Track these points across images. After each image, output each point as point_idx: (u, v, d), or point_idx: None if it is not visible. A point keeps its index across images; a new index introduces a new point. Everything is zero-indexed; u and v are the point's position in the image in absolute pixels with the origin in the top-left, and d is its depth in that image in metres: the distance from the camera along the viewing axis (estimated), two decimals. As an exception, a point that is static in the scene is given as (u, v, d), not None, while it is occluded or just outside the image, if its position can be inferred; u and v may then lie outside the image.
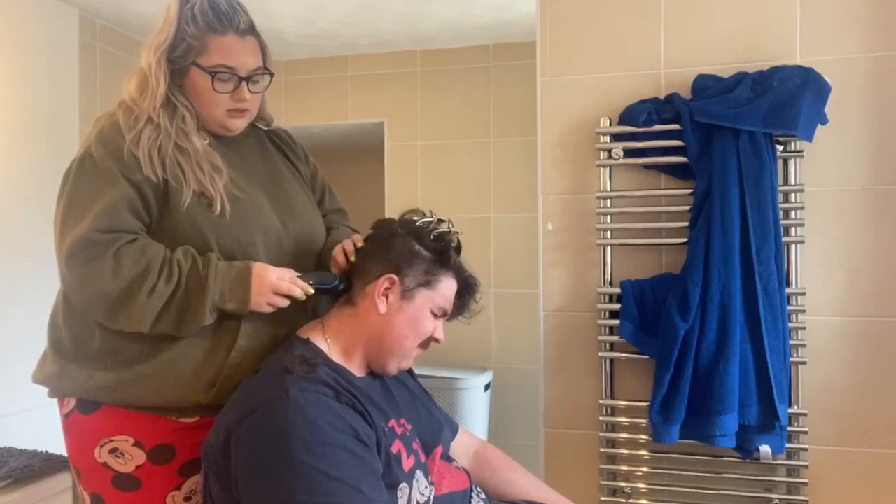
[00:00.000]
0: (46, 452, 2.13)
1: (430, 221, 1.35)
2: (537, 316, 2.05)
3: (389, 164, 3.60)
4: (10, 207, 2.59)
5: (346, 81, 3.63)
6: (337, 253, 1.40)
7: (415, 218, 1.36)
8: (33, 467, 2.02)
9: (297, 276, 1.33)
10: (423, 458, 1.31)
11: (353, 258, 1.36)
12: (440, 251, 1.33)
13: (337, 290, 1.37)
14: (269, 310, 1.31)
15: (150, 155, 1.29)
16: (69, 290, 1.30)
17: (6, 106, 2.60)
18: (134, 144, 1.29)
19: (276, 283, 1.29)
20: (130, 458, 1.30)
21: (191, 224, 1.31)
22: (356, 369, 1.32)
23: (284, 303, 1.31)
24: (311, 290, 1.33)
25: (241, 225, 1.35)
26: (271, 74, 1.41)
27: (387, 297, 1.30)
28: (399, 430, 1.28)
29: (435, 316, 1.34)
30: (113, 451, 1.30)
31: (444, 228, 1.35)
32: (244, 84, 1.35)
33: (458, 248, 1.38)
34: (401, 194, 3.51)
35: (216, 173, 1.33)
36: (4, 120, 2.59)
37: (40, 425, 2.00)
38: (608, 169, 1.97)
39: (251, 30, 1.38)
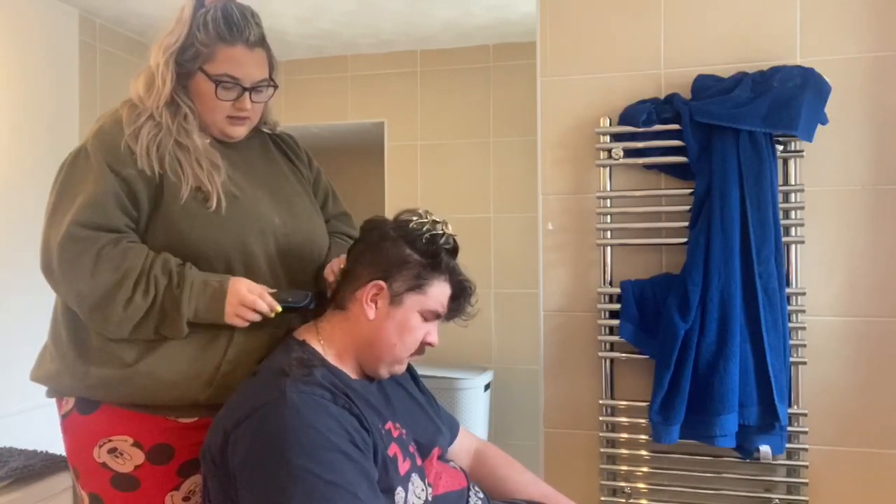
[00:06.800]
0: (46, 452, 2.12)
1: (424, 223, 1.31)
2: (537, 316, 2.05)
3: (389, 164, 3.59)
4: (10, 207, 2.59)
5: (346, 81, 3.63)
6: (327, 274, 1.41)
7: (409, 219, 1.33)
8: (33, 467, 2.01)
9: (270, 292, 1.31)
10: (419, 461, 1.31)
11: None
12: (432, 254, 1.30)
13: (308, 308, 1.35)
14: (240, 323, 1.29)
15: (147, 150, 1.30)
16: (53, 283, 1.31)
17: (6, 106, 2.60)
18: (132, 139, 1.31)
19: (245, 295, 1.29)
20: (129, 458, 1.30)
21: (186, 219, 1.31)
22: (351, 372, 1.32)
23: (254, 317, 1.30)
24: (279, 308, 1.31)
25: (238, 222, 1.35)
26: (275, 87, 1.43)
27: (375, 303, 1.29)
28: (395, 433, 1.27)
29: (426, 320, 1.31)
30: (112, 451, 1.31)
31: (438, 230, 1.31)
32: (247, 94, 1.37)
33: (455, 251, 1.34)
34: (401, 194, 3.50)
35: (214, 171, 1.34)
36: (4, 120, 2.59)
37: (40, 425, 1.99)
38: (608, 169, 1.97)
39: (261, 42, 1.39)
